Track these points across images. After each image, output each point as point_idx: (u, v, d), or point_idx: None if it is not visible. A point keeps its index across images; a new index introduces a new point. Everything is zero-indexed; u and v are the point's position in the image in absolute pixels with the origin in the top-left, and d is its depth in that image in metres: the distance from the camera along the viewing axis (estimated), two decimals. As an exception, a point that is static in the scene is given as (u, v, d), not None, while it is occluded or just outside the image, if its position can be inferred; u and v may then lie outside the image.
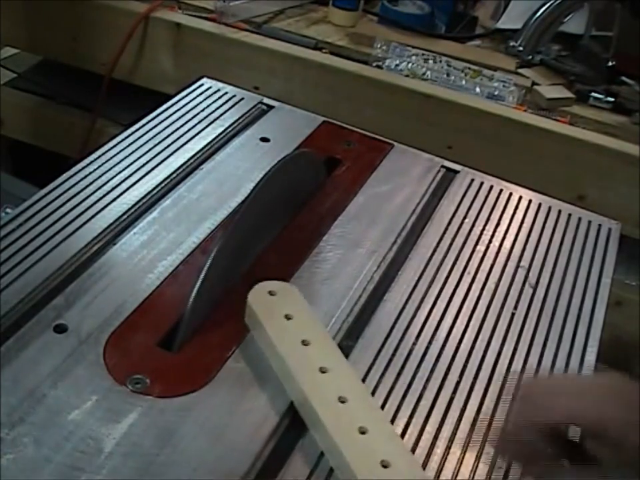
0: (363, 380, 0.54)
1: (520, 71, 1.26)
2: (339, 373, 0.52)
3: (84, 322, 0.54)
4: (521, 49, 1.18)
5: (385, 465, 0.47)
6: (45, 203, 0.65)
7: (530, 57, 1.23)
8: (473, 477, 0.50)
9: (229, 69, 1.20)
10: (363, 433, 0.48)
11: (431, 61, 1.23)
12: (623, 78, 1.24)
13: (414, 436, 0.51)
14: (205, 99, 0.84)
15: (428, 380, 0.56)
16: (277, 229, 0.66)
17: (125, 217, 0.66)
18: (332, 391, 0.50)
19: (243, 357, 0.54)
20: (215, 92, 0.86)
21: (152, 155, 0.74)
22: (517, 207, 0.76)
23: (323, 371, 0.52)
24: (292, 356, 0.52)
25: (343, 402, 0.50)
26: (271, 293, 0.57)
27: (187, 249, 0.63)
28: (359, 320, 0.60)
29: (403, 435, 0.51)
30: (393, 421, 0.52)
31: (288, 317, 0.55)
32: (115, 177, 0.70)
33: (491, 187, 0.79)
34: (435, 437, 0.52)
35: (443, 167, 0.81)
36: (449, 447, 0.51)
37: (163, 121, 0.79)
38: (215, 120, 0.81)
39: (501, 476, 0.50)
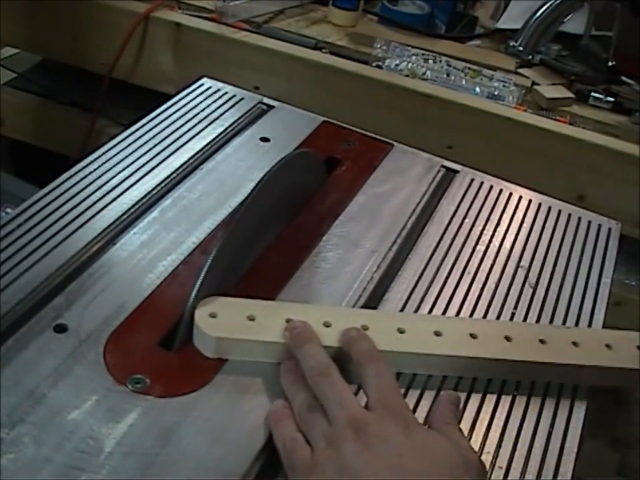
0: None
1: (520, 70, 1.26)
2: (343, 322, 0.54)
3: (84, 322, 0.54)
4: (520, 48, 1.18)
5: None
6: (44, 203, 0.65)
7: (530, 57, 1.23)
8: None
9: (229, 69, 1.20)
10: None
11: (431, 61, 1.23)
12: (623, 78, 1.24)
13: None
14: (205, 99, 0.84)
15: (428, 380, 0.56)
16: (277, 228, 0.67)
17: (124, 217, 0.66)
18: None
19: (243, 356, 0.54)
20: (215, 92, 0.86)
21: (152, 155, 0.74)
22: (517, 207, 0.76)
23: (326, 325, 0.54)
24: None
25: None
26: (213, 315, 0.54)
27: (186, 249, 0.63)
28: (359, 320, 0.60)
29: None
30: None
31: (250, 319, 0.55)
32: (115, 176, 0.70)
33: (491, 187, 0.79)
34: (435, 437, 0.52)
35: (442, 166, 0.81)
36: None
37: (163, 121, 0.79)
38: (215, 120, 0.81)
39: (501, 476, 0.50)
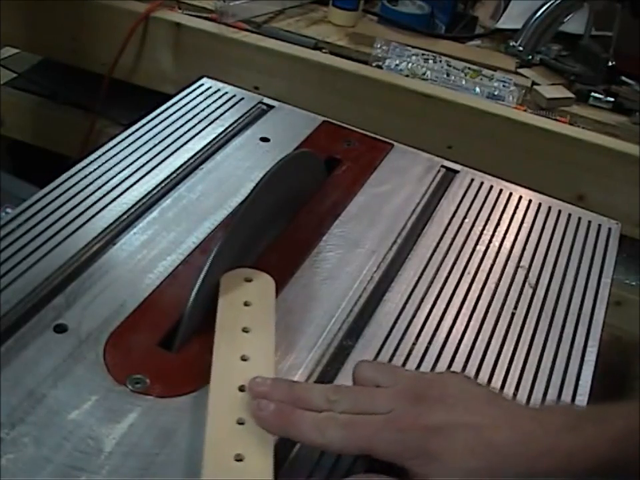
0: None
1: (520, 70, 1.26)
2: (257, 363, 0.52)
3: (84, 322, 0.54)
4: (521, 48, 1.18)
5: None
6: (44, 203, 0.65)
7: (530, 57, 1.23)
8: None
9: (229, 69, 1.20)
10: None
11: (430, 61, 1.23)
12: (623, 78, 1.24)
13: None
14: (205, 99, 0.84)
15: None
16: (277, 228, 0.66)
17: (125, 216, 0.66)
18: (236, 380, 0.50)
19: (242, 356, 0.54)
20: (215, 92, 0.86)
21: (152, 155, 0.74)
22: (517, 207, 0.76)
23: (244, 359, 0.52)
24: (224, 341, 0.53)
25: (242, 391, 0.49)
26: (247, 280, 0.58)
27: (186, 248, 0.63)
28: (359, 320, 0.60)
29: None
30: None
31: (246, 304, 0.56)
32: (115, 176, 0.70)
33: (491, 187, 0.79)
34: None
35: (442, 166, 0.81)
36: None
37: (163, 121, 0.79)
38: (215, 120, 0.81)
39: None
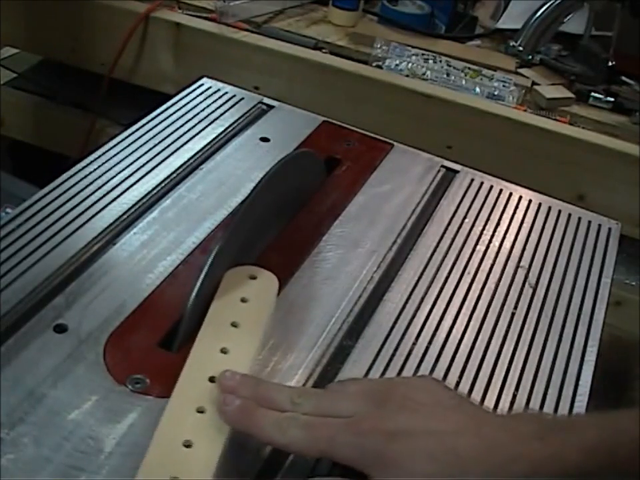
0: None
1: (520, 70, 1.26)
2: (235, 357, 0.52)
3: (84, 322, 0.54)
4: (520, 48, 1.18)
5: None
6: (44, 203, 0.65)
7: (530, 57, 1.23)
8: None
9: (229, 69, 1.20)
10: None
11: (431, 61, 1.23)
12: (623, 78, 1.24)
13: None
14: (205, 99, 0.84)
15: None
16: (277, 228, 0.67)
17: (125, 216, 0.66)
18: (209, 370, 0.50)
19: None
20: (215, 92, 0.86)
21: (152, 155, 0.74)
22: (517, 207, 0.76)
23: (223, 351, 0.52)
24: (209, 332, 0.53)
25: (211, 381, 0.49)
26: (251, 277, 0.58)
27: (186, 248, 0.63)
28: (359, 320, 0.60)
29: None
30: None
31: (243, 300, 0.56)
32: (115, 176, 0.70)
33: (491, 187, 0.79)
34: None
35: (442, 166, 0.81)
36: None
37: (163, 121, 0.79)
38: (215, 120, 0.81)
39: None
